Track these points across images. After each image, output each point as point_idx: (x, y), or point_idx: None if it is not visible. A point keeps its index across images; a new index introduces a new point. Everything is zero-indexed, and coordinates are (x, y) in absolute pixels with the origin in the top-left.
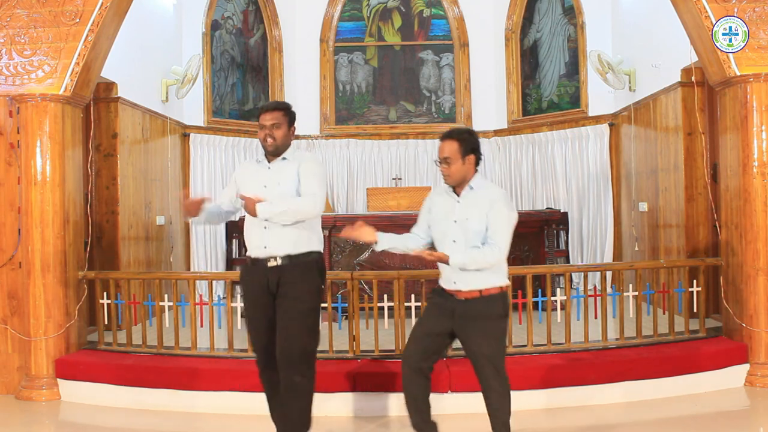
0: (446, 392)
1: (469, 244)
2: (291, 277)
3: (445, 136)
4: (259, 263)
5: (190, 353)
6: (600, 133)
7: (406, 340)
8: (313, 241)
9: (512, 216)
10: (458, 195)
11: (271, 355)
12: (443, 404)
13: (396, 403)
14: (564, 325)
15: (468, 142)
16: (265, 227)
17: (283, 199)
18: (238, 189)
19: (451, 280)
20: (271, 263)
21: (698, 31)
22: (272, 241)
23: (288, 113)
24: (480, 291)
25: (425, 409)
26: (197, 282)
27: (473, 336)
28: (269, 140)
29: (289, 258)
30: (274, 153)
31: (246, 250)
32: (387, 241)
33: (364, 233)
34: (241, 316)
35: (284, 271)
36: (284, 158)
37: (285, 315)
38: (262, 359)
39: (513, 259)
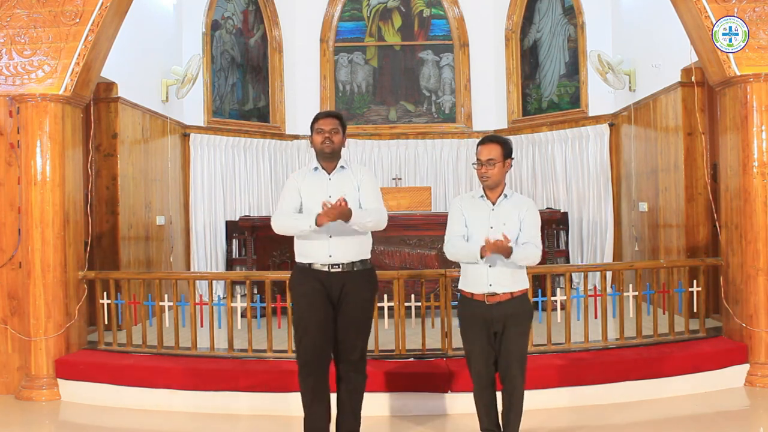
0: (446, 392)
1: None
2: (356, 284)
3: (487, 140)
4: (320, 270)
5: (190, 353)
6: (600, 133)
7: (406, 341)
8: (368, 249)
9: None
10: (492, 202)
11: (325, 360)
12: (443, 404)
13: (396, 403)
14: (564, 325)
15: (508, 146)
16: (330, 236)
17: (367, 211)
18: (303, 200)
19: (486, 283)
20: (335, 269)
21: (698, 31)
22: (338, 250)
23: (342, 122)
24: (512, 293)
25: (495, 414)
26: (197, 282)
27: (513, 335)
28: (327, 144)
29: (352, 264)
30: (330, 157)
31: (286, 257)
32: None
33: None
34: (240, 316)
35: (348, 277)
36: (342, 167)
37: (356, 318)
38: (317, 364)
39: None
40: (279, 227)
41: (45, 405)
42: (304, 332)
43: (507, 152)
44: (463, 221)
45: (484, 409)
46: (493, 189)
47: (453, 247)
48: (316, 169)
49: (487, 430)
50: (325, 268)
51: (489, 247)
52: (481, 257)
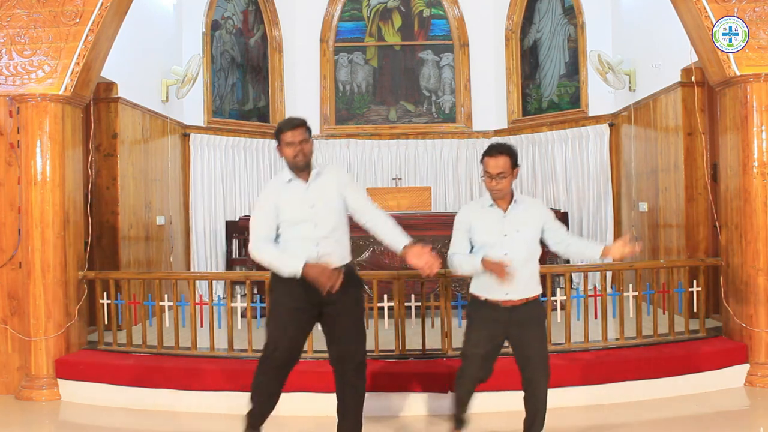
0: (446, 392)
1: (520, 255)
2: (346, 283)
3: (496, 152)
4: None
5: (190, 353)
6: (600, 133)
7: (406, 341)
8: (349, 252)
9: None
10: (503, 210)
11: (293, 361)
12: (443, 404)
13: (397, 403)
14: (564, 325)
15: (515, 156)
16: (317, 244)
17: (393, 222)
18: (284, 214)
19: (503, 291)
20: None
21: (698, 31)
22: (326, 256)
23: (308, 128)
24: (527, 298)
25: (468, 408)
26: (197, 282)
27: (533, 340)
28: (300, 157)
29: (340, 268)
30: (304, 168)
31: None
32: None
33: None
34: (240, 316)
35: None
36: (318, 173)
37: (352, 319)
38: (287, 364)
39: None
40: (261, 260)
41: (45, 405)
42: (284, 331)
43: (514, 162)
44: (467, 238)
45: (464, 402)
46: (502, 198)
47: (457, 263)
48: (290, 180)
49: (457, 418)
50: None
51: (490, 266)
52: (483, 267)
